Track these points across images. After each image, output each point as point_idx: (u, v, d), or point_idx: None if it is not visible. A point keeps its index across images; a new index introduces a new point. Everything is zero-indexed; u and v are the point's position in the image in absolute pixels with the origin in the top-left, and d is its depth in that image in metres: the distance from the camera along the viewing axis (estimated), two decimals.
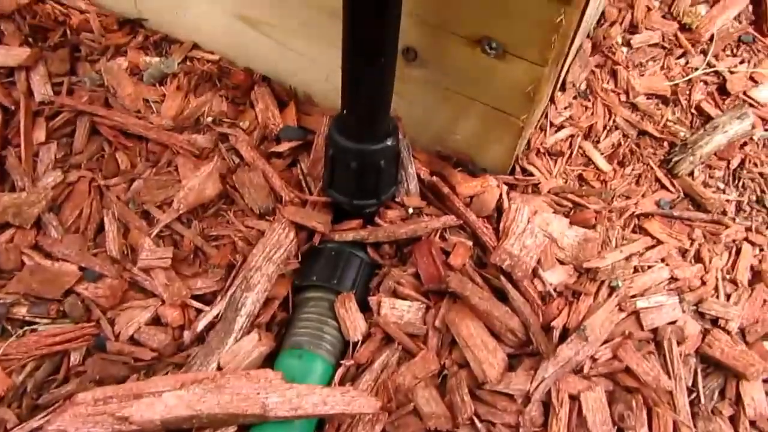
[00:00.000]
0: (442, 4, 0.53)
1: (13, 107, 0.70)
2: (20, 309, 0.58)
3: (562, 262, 0.61)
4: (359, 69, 0.50)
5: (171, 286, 0.58)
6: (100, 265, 0.60)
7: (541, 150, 0.67)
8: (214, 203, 0.64)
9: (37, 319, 0.57)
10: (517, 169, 0.66)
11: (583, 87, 0.71)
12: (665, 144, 0.70)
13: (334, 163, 0.58)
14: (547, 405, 0.53)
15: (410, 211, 0.63)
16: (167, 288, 0.58)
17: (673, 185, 0.67)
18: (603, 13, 0.78)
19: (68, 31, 0.77)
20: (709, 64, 0.75)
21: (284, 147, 0.67)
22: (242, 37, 0.70)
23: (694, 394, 0.56)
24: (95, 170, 0.67)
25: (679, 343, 0.57)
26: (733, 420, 0.56)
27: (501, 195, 0.63)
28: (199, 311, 0.58)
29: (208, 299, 0.59)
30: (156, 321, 0.57)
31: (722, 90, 0.74)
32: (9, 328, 0.57)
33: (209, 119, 0.70)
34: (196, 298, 0.58)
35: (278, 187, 0.64)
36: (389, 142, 0.56)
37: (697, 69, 0.75)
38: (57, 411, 0.50)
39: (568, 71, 0.70)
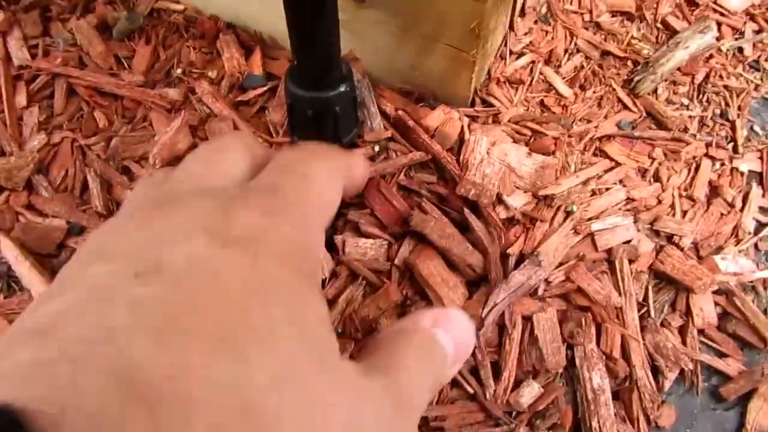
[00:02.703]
0: None
1: None
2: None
3: (521, 190, 0.63)
4: (301, 21, 0.51)
5: None
6: (87, 220, 0.65)
7: (501, 79, 0.67)
8: (187, 154, 0.67)
9: None
10: (477, 100, 0.67)
11: (543, 11, 0.71)
12: (629, 63, 0.70)
13: (293, 110, 0.60)
14: (501, 327, 0.57)
15: (376, 148, 0.65)
16: None
17: (636, 105, 0.68)
18: None
19: None
20: None
21: (250, 95, 0.69)
22: None
23: (645, 309, 0.59)
24: (76, 130, 0.70)
25: (631, 262, 0.60)
26: (682, 330, 0.59)
27: (462, 127, 0.65)
28: None
29: None
30: None
31: (691, 1, 0.72)
32: (14, 285, 0.63)
33: (179, 71, 0.73)
34: None
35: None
36: (342, 88, 0.58)
37: None
38: None
39: None
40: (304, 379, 0.20)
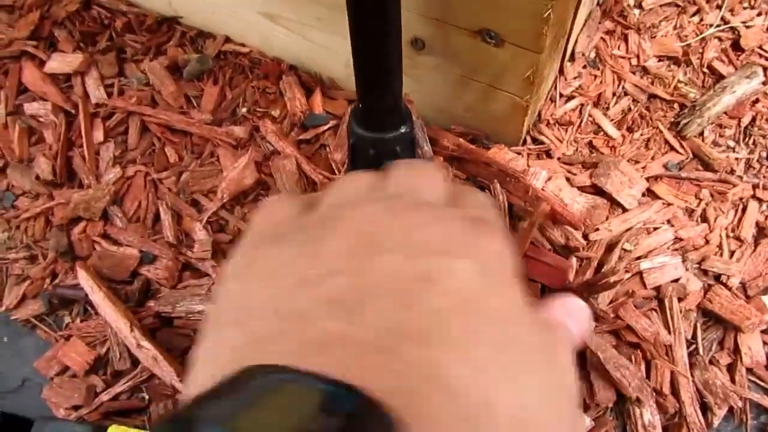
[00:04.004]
0: (440, 1, 0.57)
1: (73, 111, 0.79)
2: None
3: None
4: (368, 68, 0.55)
5: (218, 267, 0.66)
6: (159, 250, 0.69)
7: (551, 120, 0.70)
8: (253, 189, 0.71)
9: None
10: (528, 140, 0.70)
11: (592, 56, 0.74)
12: (675, 106, 0.72)
13: (355, 150, 0.64)
14: None
15: None
16: (215, 269, 0.66)
17: (682, 147, 0.70)
18: None
19: (113, 34, 0.85)
20: (723, 20, 0.76)
21: (311, 134, 0.73)
22: (267, 31, 0.76)
23: (693, 346, 0.61)
24: (148, 164, 0.75)
25: (680, 300, 0.62)
26: (731, 368, 0.60)
27: (523, 162, 0.68)
28: None
29: None
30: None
31: (736, 46, 0.74)
32: (90, 310, 0.67)
33: (244, 110, 0.77)
34: None
35: (308, 171, 0.71)
36: (403, 130, 0.62)
37: (711, 26, 0.75)
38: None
39: (576, 42, 0.73)
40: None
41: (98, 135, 0.77)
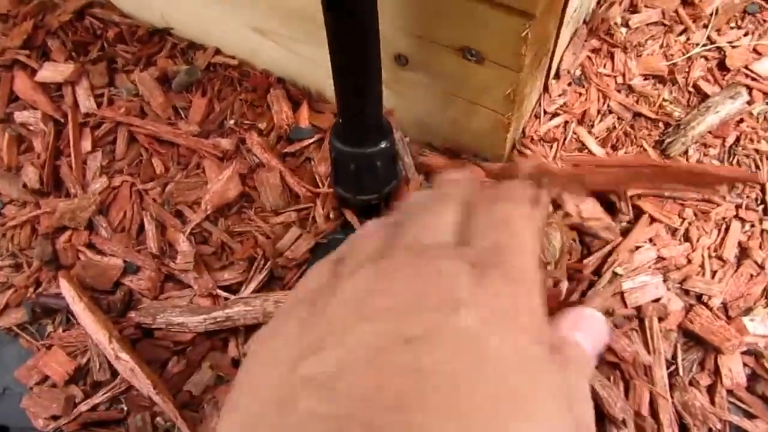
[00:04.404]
0: (423, 19, 0.57)
1: (62, 120, 0.79)
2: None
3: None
4: (346, 87, 0.56)
5: (200, 278, 0.66)
6: (142, 260, 0.69)
7: (535, 137, 0.71)
8: (237, 202, 0.72)
9: None
10: (515, 156, 0.70)
11: (577, 73, 0.74)
12: (660, 125, 0.72)
13: (337, 164, 0.64)
14: None
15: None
16: (196, 281, 0.66)
17: None
18: None
19: (105, 44, 0.86)
20: (710, 39, 0.76)
21: (296, 147, 0.73)
22: (257, 45, 0.76)
23: (673, 367, 0.61)
24: (135, 175, 0.75)
25: (660, 320, 0.62)
26: (711, 390, 0.60)
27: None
28: (226, 299, 0.66)
29: (234, 289, 0.67)
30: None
31: (722, 66, 0.75)
32: (72, 319, 0.67)
33: (231, 122, 0.78)
34: (224, 288, 0.67)
35: (292, 184, 0.71)
36: (383, 145, 0.62)
37: (697, 45, 0.76)
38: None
39: (561, 60, 0.73)
40: None
41: (86, 144, 0.78)
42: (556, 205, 0.65)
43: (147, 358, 0.63)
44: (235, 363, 0.63)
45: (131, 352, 0.61)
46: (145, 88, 0.80)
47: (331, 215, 0.70)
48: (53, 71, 0.82)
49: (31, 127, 0.80)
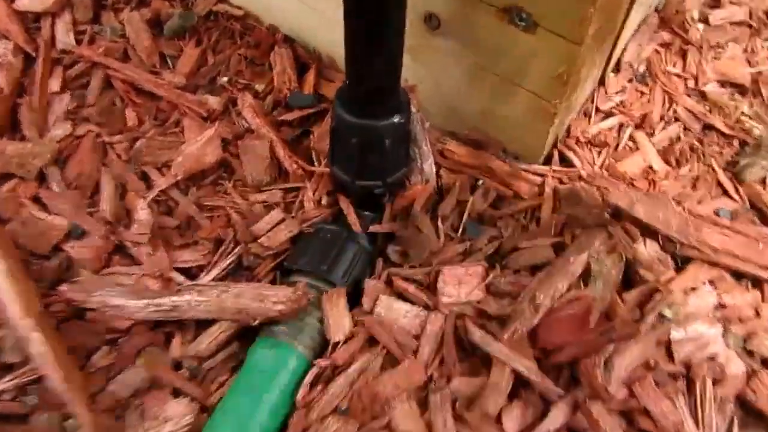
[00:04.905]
0: None
1: (34, 53, 0.68)
2: None
3: None
4: (361, 33, 0.44)
5: (153, 255, 0.54)
6: (91, 225, 0.58)
7: (582, 139, 0.58)
8: (214, 170, 0.60)
9: None
10: (555, 158, 0.58)
11: (641, 69, 0.61)
12: (735, 143, 0.59)
13: (336, 136, 0.52)
14: None
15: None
16: (149, 258, 0.54)
17: (738, 192, 0.57)
18: None
19: None
20: None
21: (294, 115, 0.61)
22: None
23: None
24: (103, 125, 0.64)
25: (715, 383, 0.49)
26: None
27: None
28: (180, 285, 0.54)
29: (193, 273, 0.55)
30: None
31: None
32: None
33: (224, 79, 0.66)
34: (180, 270, 0.55)
35: (282, 157, 0.59)
36: (396, 119, 0.50)
37: None
38: None
39: (624, 50, 0.60)
40: None
41: (54, 84, 0.67)
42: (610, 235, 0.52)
43: (70, 344, 0.51)
44: (177, 366, 0.51)
45: (51, 332, 0.49)
46: (132, 29, 0.69)
47: (324, 201, 0.58)
48: (34, 0, 0.71)
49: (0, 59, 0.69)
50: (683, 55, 0.63)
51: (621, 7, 0.49)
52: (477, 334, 0.48)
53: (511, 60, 0.50)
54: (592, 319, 0.48)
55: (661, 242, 0.52)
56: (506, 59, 0.50)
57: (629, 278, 0.52)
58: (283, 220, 0.56)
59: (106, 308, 0.51)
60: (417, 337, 0.49)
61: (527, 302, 0.49)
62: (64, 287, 0.53)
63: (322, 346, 0.50)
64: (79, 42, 0.70)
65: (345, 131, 0.50)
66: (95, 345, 0.51)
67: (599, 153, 0.58)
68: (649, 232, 0.52)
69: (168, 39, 0.69)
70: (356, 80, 0.47)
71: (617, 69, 0.61)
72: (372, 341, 0.49)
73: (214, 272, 0.54)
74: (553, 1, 0.43)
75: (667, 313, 0.50)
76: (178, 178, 0.58)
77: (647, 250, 0.52)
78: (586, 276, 0.51)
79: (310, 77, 0.65)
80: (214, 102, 0.64)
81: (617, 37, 0.55)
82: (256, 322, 0.49)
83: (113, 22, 0.71)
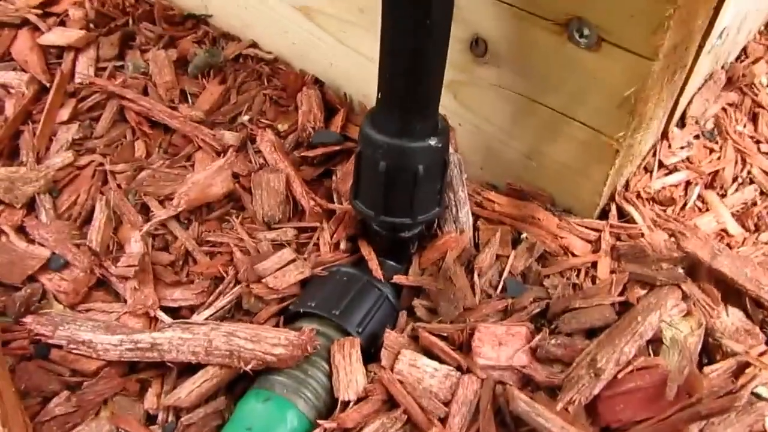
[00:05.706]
0: None
1: (49, 84, 0.65)
2: None
3: None
4: (400, 33, 0.38)
5: (139, 291, 0.46)
6: (74, 256, 0.50)
7: (643, 194, 0.50)
8: (222, 204, 0.53)
9: None
10: (612, 212, 0.50)
11: (709, 126, 0.55)
12: None
13: (361, 163, 0.45)
14: None
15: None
16: (134, 293, 0.46)
17: None
18: (745, 49, 0.62)
19: (131, 21, 0.73)
20: None
21: (317, 152, 0.55)
22: (299, 31, 0.61)
23: None
24: (108, 156, 0.58)
25: None
26: None
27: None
28: None
29: (182, 315, 0.47)
30: None
31: None
32: None
33: (246, 117, 0.61)
34: (168, 310, 0.47)
35: (297, 194, 0.52)
36: (432, 142, 0.43)
37: None
38: None
39: (690, 103, 0.54)
40: None
41: (64, 114, 0.62)
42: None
43: (25, 386, 0.42)
44: (151, 419, 0.41)
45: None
46: (156, 65, 0.66)
47: (342, 246, 0.50)
48: (59, 35, 0.69)
49: (12, 89, 0.65)
50: (754, 117, 0.57)
51: (692, 19, 0.43)
52: (522, 405, 0.38)
53: (567, 87, 0.44)
54: (668, 392, 0.38)
55: (748, 307, 0.43)
56: (562, 86, 0.44)
57: (706, 349, 0.42)
58: (293, 260, 0.48)
59: (73, 345, 0.43)
60: (447, 403, 0.39)
61: (586, 368, 0.39)
62: (28, 318, 0.45)
63: (329, 405, 0.40)
64: (98, 76, 0.66)
65: (372, 155, 0.43)
66: (54, 390, 0.42)
67: (664, 210, 0.50)
68: (732, 293, 0.43)
69: (192, 77, 0.66)
70: (388, 90, 0.41)
71: (682, 123, 0.54)
72: (390, 403, 0.39)
73: (207, 313, 0.45)
74: (623, 6, 0.37)
75: (763, 392, 0.40)
76: (180, 209, 0.51)
77: (730, 317, 0.43)
78: (654, 343, 0.42)
79: (338, 120, 0.59)
80: (230, 137, 0.58)
81: (684, 84, 0.49)
82: (249, 367, 0.39)
83: (137, 60, 0.68)
